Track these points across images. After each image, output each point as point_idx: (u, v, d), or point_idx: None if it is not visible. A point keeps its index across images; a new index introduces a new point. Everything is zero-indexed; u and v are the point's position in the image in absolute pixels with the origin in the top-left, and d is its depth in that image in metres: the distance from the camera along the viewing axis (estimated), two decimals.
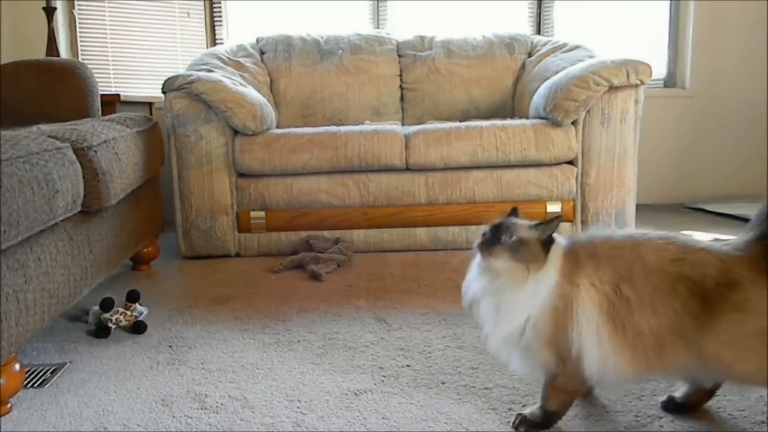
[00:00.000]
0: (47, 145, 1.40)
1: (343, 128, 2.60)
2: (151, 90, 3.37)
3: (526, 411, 1.18)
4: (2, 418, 1.26)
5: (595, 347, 1.06)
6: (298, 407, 1.27)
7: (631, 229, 1.13)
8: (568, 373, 1.11)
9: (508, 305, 1.11)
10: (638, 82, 2.45)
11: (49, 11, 2.99)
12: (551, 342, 1.10)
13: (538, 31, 3.67)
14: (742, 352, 1.02)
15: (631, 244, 1.10)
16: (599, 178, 2.54)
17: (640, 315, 1.05)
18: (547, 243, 1.11)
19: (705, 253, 1.06)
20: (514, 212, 1.19)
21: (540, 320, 1.09)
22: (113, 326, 1.73)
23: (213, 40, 3.53)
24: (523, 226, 1.13)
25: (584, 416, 1.20)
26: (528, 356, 1.13)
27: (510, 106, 3.23)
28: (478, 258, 1.14)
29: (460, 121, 2.84)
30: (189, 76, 2.47)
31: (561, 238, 1.15)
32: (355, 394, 1.32)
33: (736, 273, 1.03)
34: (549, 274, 1.09)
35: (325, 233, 2.55)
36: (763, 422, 1.16)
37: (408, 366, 1.45)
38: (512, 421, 1.18)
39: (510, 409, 1.23)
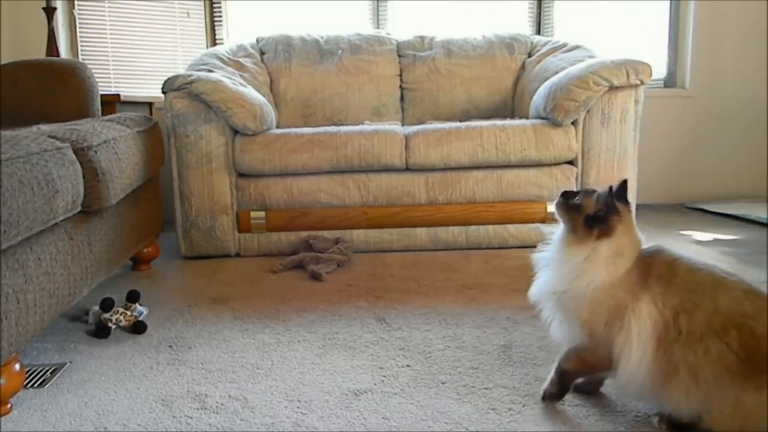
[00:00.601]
0: (47, 145, 1.41)
1: (343, 128, 2.60)
2: (151, 90, 3.37)
3: (544, 385, 1.26)
4: (2, 418, 1.26)
5: (636, 358, 1.09)
6: (298, 407, 1.27)
7: (720, 267, 1.14)
8: (598, 354, 1.16)
9: (558, 265, 1.18)
10: (638, 82, 2.45)
11: (49, 11, 2.99)
12: (585, 324, 1.15)
13: (538, 31, 3.67)
14: (722, 412, 1.04)
15: (711, 285, 1.09)
16: (599, 178, 2.53)
17: (683, 349, 1.06)
18: (596, 220, 1.14)
19: None
20: (623, 184, 1.19)
21: (580, 301, 1.14)
22: (113, 326, 1.73)
23: (213, 40, 3.53)
24: (600, 196, 1.16)
25: (584, 416, 1.20)
26: (564, 322, 1.20)
27: (510, 106, 3.23)
28: None
29: (460, 121, 2.84)
30: (189, 76, 2.47)
31: (644, 242, 1.18)
32: (355, 394, 1.32)
33: None
34: (608, 263, 1.13)
35: (325, 233, 2.55)
36: None
37: (408, 366, 1.45)
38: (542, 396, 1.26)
39: (510, 409, 1.23)
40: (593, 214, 1.15)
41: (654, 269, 1.12)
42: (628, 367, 1.11)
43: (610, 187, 1.17)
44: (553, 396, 1.24)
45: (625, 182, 1.19)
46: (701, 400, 1.05)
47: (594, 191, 1.18)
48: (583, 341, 1.18)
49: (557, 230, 1.23)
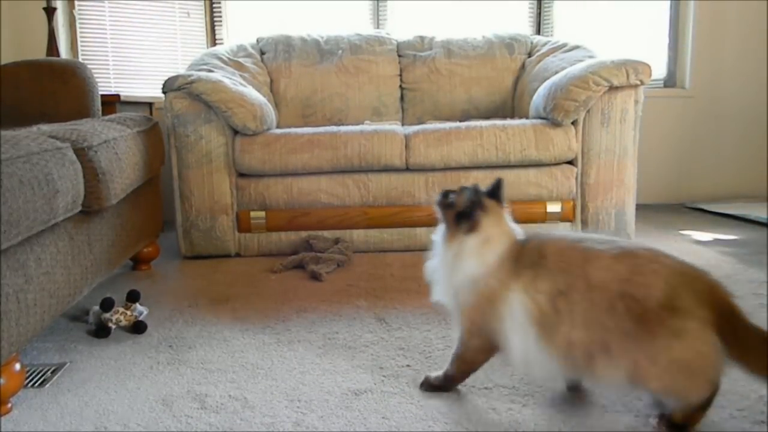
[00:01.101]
0: (47, 145, 1.41)
1: (343, 128, 2.60)
2: (151, 90, 3.37)
3: (432, 374, 1.32)
4: (2, 417, 1.26)
5: (520, 345, 1.14)
6: (298, 407, 1.27)
7: (594, 237, 1.17)
8: (471, 347, 1.25)
9: (442, 264, 1.25)
10: (638, 82, 2.45)
11: (49, 11, 2.99)
12: (468, 318, 1.23)
13: (538, 31, 3.67)
14: (668, 375, 1.04)
15: (581, 259, 1.11)
16: (599, 178, 2.54)
17: (570, 327, 1.08)
18: (465, 215, 1.20)
19: (655, 276, 1.06)
20: (497, 183, 1.26)
21: (462, 293, 1.22)
22: (113, 326, 1.73)
23: (213, 40, 3.53)
24: (467, 193, 1.21)
25: (584, 416, 1.20)
26: (457, 315, 1.26)
27: (510, 106, 3.23)
28: None
29: (460, 121, 2.84)
30: (189, 76, 2.47)
31: (520, 232, 1.24)
32: (355, 394, 1.32)
33: (682, 300, 1.03)
34: (476, 254, 1.19)
35: (325, 233, 2.55)
36: (763, 422, 1.16)
37: (408, 366, 1.45)
38: (420, 382, 1.33)
39: (510, 409, 1.23)
40: (461, 211, 1.21)
41: (524, 256, 1.16)
42: (515, 355, 1.15)
43: (479, 185, 1.24)
44: (432, 388, 1.31)
45: (499, 181, 1.25)
46: (627, 372, 1.06)
47: (466, 189, 1.23)
48: (460, 337, 1.25)
49: (438, 231, 1.28)
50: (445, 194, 1.26)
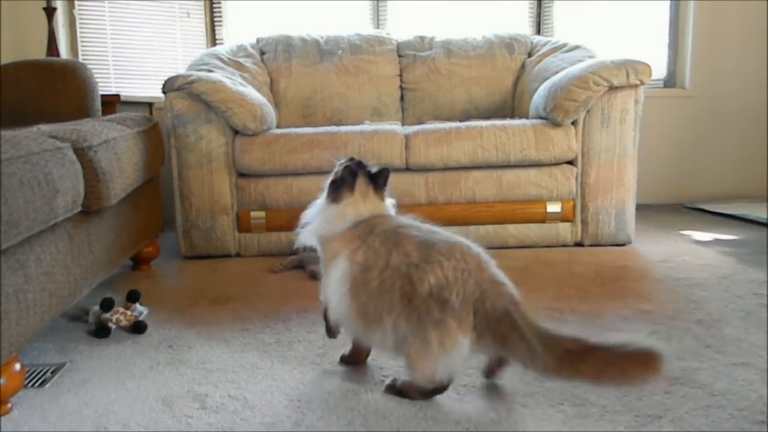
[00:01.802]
0: (47, 145, 1.41)
1: (343, 128, 2.60)
2: (151, 90, 3.37)
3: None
4: (2, 417, 1.26)
5: (335, 301, 1.30)
6: (298, 407, 1.27)
7: (426, 227, 1.31)
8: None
9: (316, 214, 1.40)
10: (638, 82, 2.45)
11: (49, 11, 2.99)
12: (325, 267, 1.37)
13: (538, 31, 3.68)
14: (415, 355, 1.21)
15: (391, 244, 1.25)
16: (599, 178, 2.54)
17: (367, 298, 1.25)
18: (338, 185, 1.36)
19: (438, 267, 1.18)
20: (383, 172, 1.39)
21: (320, 246, 1.38)
22: (113, 326, 1.73)
23: (213, 40, 3.53)
24: (346, 171, 1.36)
25: (584, 416, 1.20)
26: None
27: (510, 106, 3.23)
28: None
29: (460, 121, 2.84)
30: (189, 76, 2.47)
31: (388, 210, 1.39)
32: (355, 394, 1.32)
33: (451, 295, 1.16)
34: (332, 222, 1.34)
35: None
36: (763, 422, 1.16)
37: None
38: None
39: (510, 409, 1.24)
40: (332, 180, 1.38)
41: (359, 229, 1.31)
42: (333, 312, 1.33)
43: (359, 163, 1.39)
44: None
45: (385, 170, 1.40)
46: (399, 346, 1.22)
47: (348, 166, 1.38)
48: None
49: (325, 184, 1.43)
50: (347, 160, 1.40)
